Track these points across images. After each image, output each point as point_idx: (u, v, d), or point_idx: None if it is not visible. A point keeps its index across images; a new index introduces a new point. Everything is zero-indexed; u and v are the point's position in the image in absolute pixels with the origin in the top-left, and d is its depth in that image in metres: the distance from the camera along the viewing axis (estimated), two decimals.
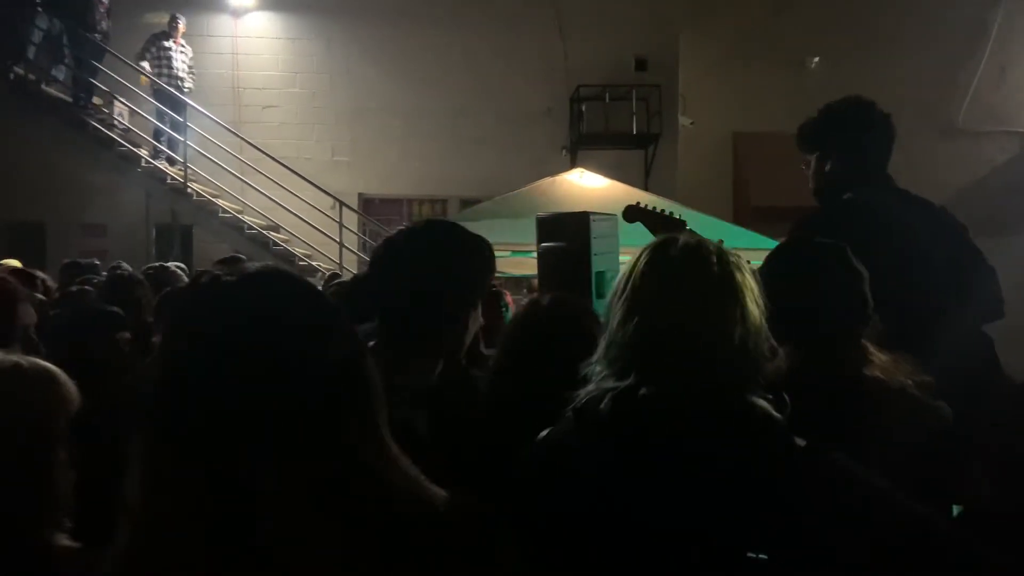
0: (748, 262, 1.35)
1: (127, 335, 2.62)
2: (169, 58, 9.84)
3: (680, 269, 1.30)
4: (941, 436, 1.63)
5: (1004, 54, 11.99)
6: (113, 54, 9.64)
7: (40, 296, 3.39)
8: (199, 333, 0.90)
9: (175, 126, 9.76)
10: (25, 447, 1.15)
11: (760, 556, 1.17)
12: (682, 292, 1.28)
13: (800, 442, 1.23)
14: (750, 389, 1.25)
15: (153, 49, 9.80)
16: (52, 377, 1.21)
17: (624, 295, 1.33)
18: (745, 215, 10.63)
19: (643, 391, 1.23)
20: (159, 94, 9.70)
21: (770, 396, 1.26)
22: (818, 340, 1.70)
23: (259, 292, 0.94)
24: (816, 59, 11.89)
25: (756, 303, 1.29)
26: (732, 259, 1.32)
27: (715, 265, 1.29)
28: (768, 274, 1.82)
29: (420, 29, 11.09)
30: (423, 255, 1.64)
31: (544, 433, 1.35)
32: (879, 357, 1.69)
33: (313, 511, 0.86)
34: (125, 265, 5.46)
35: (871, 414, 1.57)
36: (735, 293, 1.27)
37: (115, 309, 2.76)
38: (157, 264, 4.84)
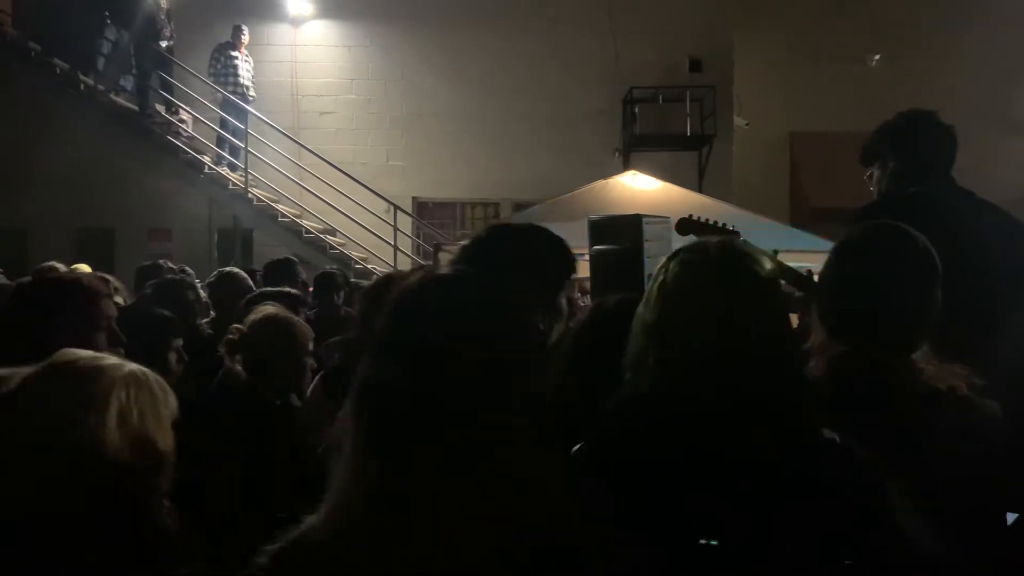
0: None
1: (180, 341, 2.68)
2: (235, 67, 10.12)
3: (701, 279, 1.29)
4: (995, 435, 1.56)
5: None
6: (177, 63, 9.96)
7: (117, 300, 3.52)
8: (421, 331, 1.01)
9: (236, 133, 10.04)
10: (153, 440, 1.28)
11: (711, 543, 1.17)
12: (702, 303, 1.26)
13: (834, 436, 1.22)
14: (789, 400, 1.23)
15: (221, 58, 10.10)
16: (164, 383, 1.35)
17: (648, 305, 1.32)
18: (804, 217, 10.44)
19: (681, 397, 1.23)
20: (225, 104, 9.99)
21: (815, 410, 1.24)
22: (875, 347, 1.59)
23: (477, 291, 1.07)
24: (876, 57, 11.62)
25: (782, 312, 1.27)
26: (758, 267, 1.29)
27: (738, 274, 1.27)
28: (831, 269, 1.69)
29: (473, 34, 11.18)
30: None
31: (586, 440, 1.35)
32: (927, 366, 1.60)
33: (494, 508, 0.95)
34: (188, 269, 5.63)
35: (923, 416, 1.51)
36: (760, 301, 1.25)
37: (166, 313, 2.83)
38: (220, 271, 4.99)
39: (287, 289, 3.83)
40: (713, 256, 1.31)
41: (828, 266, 1.70)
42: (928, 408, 1.51)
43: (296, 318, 2.74)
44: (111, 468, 1.21)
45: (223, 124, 10.07)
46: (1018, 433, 1.63)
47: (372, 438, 0.98)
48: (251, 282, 4.59)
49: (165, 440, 1.30)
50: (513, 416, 0.98)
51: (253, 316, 2.64)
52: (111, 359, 1.32)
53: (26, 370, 1.28)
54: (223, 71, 10.05)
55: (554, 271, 1.72)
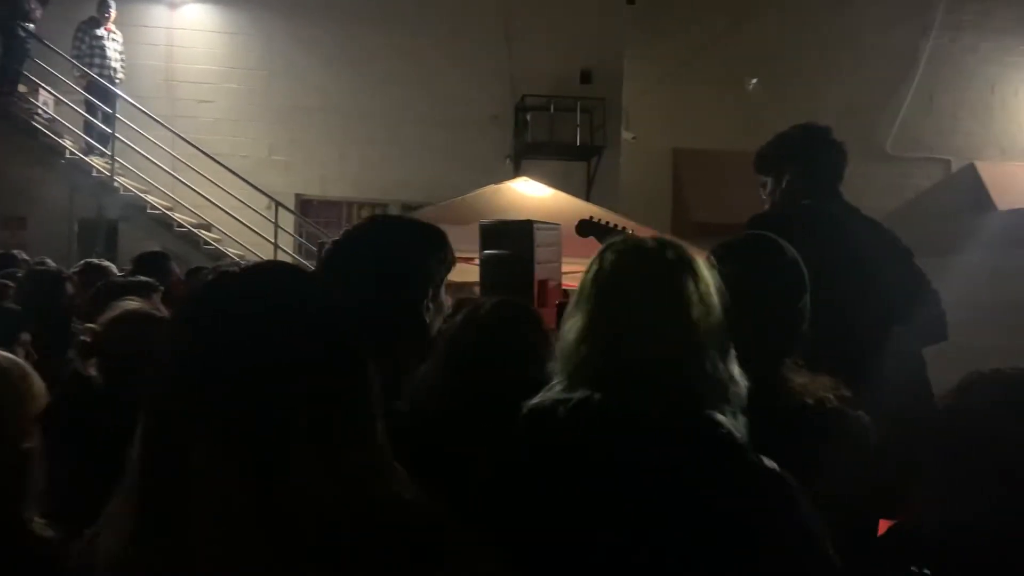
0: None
1: (28, 336, 2.43)
2: (102, 47, 9.45)
3: (624, 276, 1.25)
4: (866, 446, 1.59)
5: (933, 82, 12.49)
6: (40, 41, 9.23)
7: None
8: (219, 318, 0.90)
9: (104, 118, 9.39)
10: (7, 436, 1.17)
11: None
12: (626, 300, 1.23)
13: (769, 464, 1.19)
14: (707, 403, 1.20)
15: (85, 38, 9.41)
16: (26, 371, 1.23)
17: (574, 303, 1.29)
18: (685, 229, 10.78)
19: (596, 402, 1.19)
20: (91, 86, 9.30)
21: (729, 410, 1.21)
22: (741, 358, 1.59)
23: (274, 282, 0.95)
24: (754, 81, 12.17)
25: (711, 309, 1.23)
26: (684, 262, 1.25)
27: (662, 270, 1.24)
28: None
29: (364, 30, 10.93)
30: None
31: (497, 442, 1.30)
32: (796, 377, 1.60)
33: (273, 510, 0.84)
34: (49, 261, 5.21)
35: (790, 429, 1.50)
36: (683, 299, 1.22)
37: (13, 306, 2.59)
38: (85, 261, 4.62)
39: (141, 278, 3.50)
40: (627, 255, 1.28)
41: None
42: (795, 420, 1.50)
43: (161, 314, 2.51)
44: None
45: (89, 108, 9.40)
46: (897, 438, 1.67)
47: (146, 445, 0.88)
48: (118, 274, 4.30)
49: (26, 436, 1.18)
50: (282, 425, 0.87)
51: (110, 313, 2.39)
52: None
53: None
54: (88, 51, 9.36)
55: (434, 263, 1.66)
